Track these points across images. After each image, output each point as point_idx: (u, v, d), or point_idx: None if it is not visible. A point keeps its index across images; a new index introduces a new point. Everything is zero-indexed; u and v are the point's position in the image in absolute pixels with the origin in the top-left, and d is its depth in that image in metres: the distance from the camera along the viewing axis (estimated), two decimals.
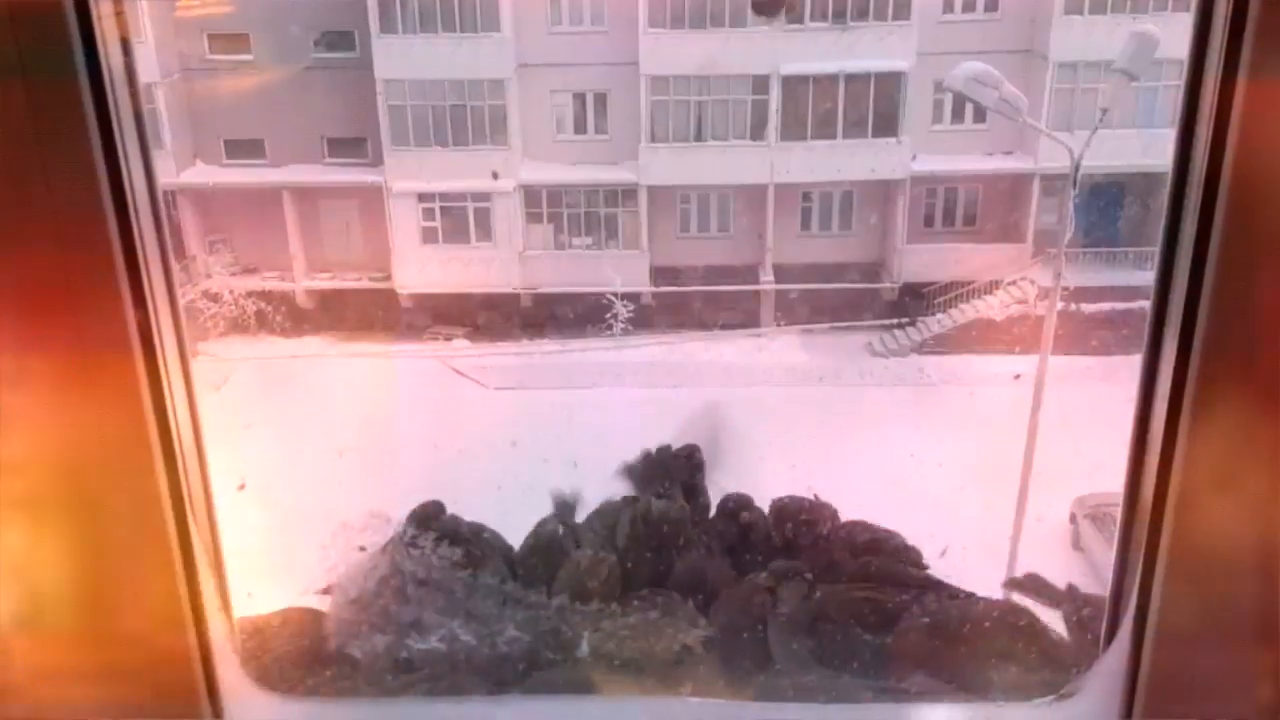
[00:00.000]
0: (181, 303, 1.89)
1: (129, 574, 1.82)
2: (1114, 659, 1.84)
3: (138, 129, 1.75)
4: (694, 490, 3.18)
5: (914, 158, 25.41)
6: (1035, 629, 2.51)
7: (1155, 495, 1.70)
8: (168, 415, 1.78)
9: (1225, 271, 1.53)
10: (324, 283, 26.66)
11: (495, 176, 25.54)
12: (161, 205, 1.83)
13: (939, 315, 25.46)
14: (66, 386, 1.70)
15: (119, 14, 1.67)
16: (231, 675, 2.01)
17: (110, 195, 1.66)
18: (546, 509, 3.15)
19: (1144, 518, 1.75)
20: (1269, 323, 1.54)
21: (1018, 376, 16.97)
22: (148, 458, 1.76)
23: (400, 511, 2.67)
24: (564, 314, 25.52)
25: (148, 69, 23.64)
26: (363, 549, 2.58)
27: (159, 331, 1.76)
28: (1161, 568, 1.72)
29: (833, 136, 25.42)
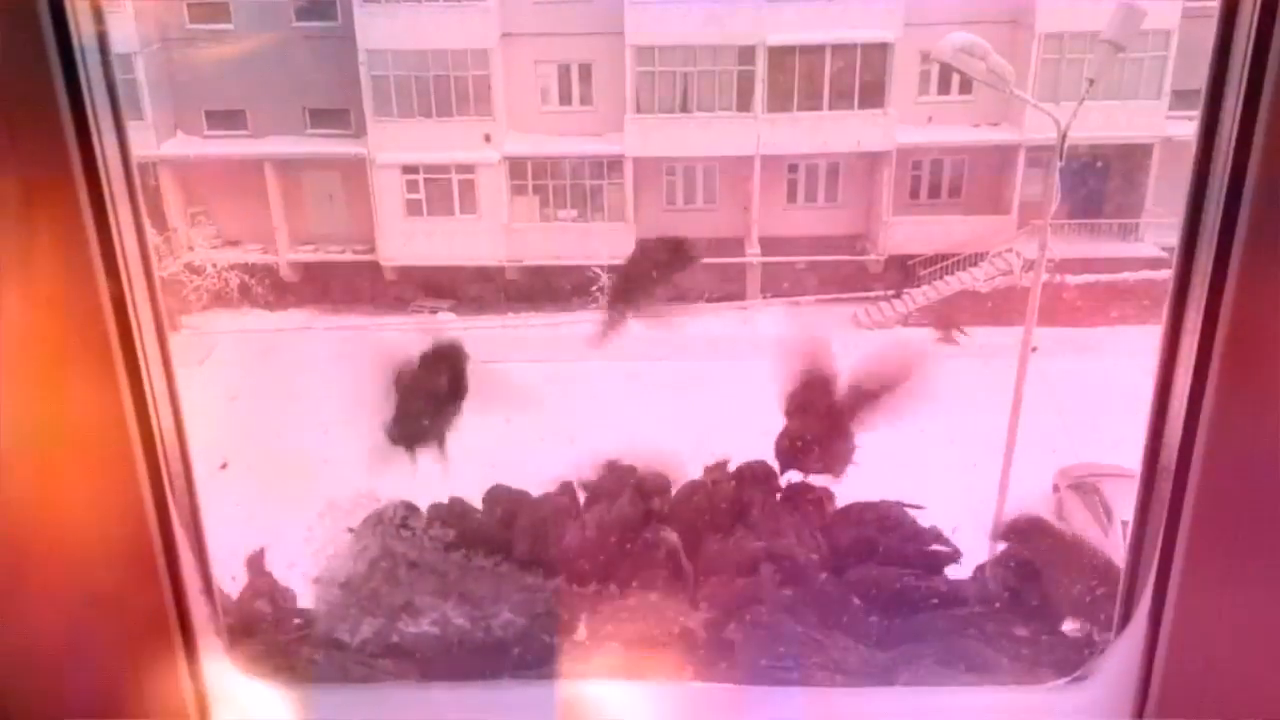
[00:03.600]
0: (164, 275, 1.82)
1: (106, 557, 1.76)
2: (1130, 641, 1.79)
3: (111, 100, 1.69)
4: None
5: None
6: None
7: (1177, 470, 1.64)
8: (145, 392, 1.71)
9: (1256, 237, 1.47)
10: (307, 255, 26.50)
11: (487, 139, 25.36)
12: (136, 177, 1.76)
13: (924, 287, 25.46)
14: (38, 364, 1.63)
15: None
16: (215, 661, 1.95)
17: (82, 168, 1.59)
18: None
19: (1163, 494, 1.69)
20: None
21: (1035, 349, 16.94)
22: (124, 437, 1.70)
23: (387, 490, 2.61)
24: (550, 287, 25.42)
25: (127, 39, 23.35)
26: (351, 530, 2.52)
27: (134, 306, 1.69)
28: (1181, 547, 1.66)
29: (819, 108, 25.31)
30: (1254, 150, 1.44)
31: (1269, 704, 1.68)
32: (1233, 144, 1.47)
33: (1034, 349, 16.72)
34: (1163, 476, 1.69)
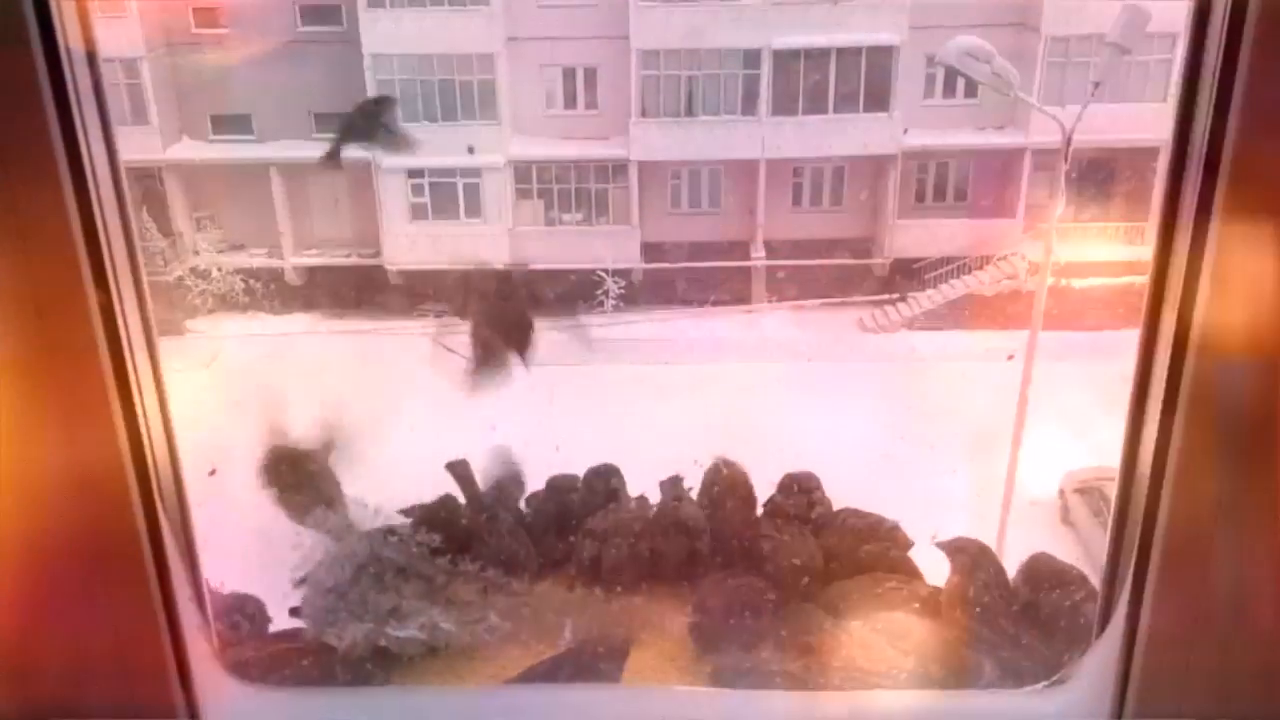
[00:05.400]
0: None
1: (96, 564, 1.77)
2: (1108, 645, 1.80)
3: (98, 105, 1.69)
4: None
5: (905, 131, 25.28)
6: None
7: (1151, 478, 1.65)
8: (133, 399, 1.72)
9: (1227, 245, 1.48)
10: (313, 259, 26.53)
11: (470, 151, 25.35)
12: (125, 185, 1.77)
13: (929, 291, 25.42)
14: (25, 372, 1.64)
15: None
16: (206, 666, 1.96)
17: (70, 176, 1.60)
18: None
19: (1139, 501, 1.70)
20: (1272, 301, 1.48)
21: (1010, 357, 16.93)
22: (113, 443, 1.71)
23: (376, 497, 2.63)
24: (555, 291, 25.42)
25: (132, 44, 23.41)
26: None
27: (124, 314, 1.70)
28: (1157, 552, 1.67)
29: (824, 111, 25.29)
30: (1224, 153, 1.46)
31: (1243, 705, 1.70)
32: (1204, 147, 1.48)
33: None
34: (1140, 480, 1.70)
